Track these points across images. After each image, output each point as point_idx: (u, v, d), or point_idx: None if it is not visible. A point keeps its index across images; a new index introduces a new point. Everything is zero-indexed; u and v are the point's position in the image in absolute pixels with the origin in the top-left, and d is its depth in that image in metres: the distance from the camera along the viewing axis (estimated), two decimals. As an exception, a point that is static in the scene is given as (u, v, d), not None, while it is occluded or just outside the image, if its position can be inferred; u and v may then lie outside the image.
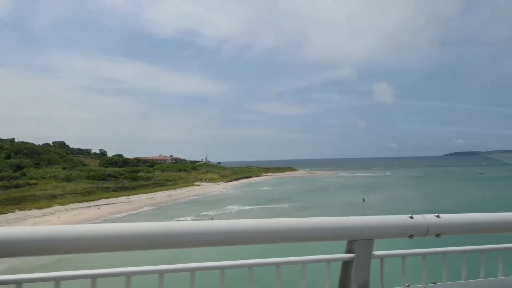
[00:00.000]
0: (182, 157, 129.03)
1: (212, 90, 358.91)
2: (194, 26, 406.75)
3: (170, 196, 62.12)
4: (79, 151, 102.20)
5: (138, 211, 46.20)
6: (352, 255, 2.23)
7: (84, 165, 79.66)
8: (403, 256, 2.44)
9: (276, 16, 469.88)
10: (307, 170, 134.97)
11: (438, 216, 2.33)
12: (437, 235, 2.32)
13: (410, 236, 2.28)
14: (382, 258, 2.36)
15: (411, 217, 2.28)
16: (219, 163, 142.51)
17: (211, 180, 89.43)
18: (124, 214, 43.56)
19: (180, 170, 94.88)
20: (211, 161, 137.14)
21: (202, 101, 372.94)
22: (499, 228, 2.57)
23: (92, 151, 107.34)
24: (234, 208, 46.76)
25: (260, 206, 47.14)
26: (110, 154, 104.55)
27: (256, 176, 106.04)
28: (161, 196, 62.27)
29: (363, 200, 49.60)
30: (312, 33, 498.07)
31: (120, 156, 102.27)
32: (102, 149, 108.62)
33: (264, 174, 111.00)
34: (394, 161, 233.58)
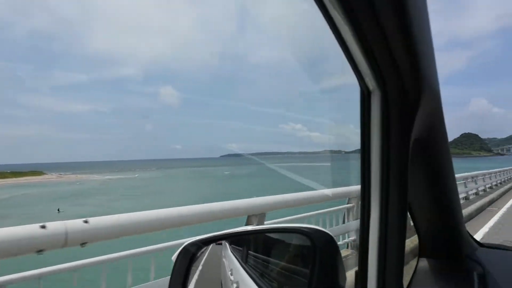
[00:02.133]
0: None
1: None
2: None
3: None
4: None
5: None
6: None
7: None
8: None
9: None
10: (60, 174, 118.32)
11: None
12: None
13: None
14: None
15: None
16: None
17: None
18: None
19: None
20: None
21: None
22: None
23: None
24: None
25: None
26: None
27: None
28: None
29: (58, 210, 43.85)
30: (96, 26, 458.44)
31: None
32: None
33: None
34: (174, 162, 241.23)
